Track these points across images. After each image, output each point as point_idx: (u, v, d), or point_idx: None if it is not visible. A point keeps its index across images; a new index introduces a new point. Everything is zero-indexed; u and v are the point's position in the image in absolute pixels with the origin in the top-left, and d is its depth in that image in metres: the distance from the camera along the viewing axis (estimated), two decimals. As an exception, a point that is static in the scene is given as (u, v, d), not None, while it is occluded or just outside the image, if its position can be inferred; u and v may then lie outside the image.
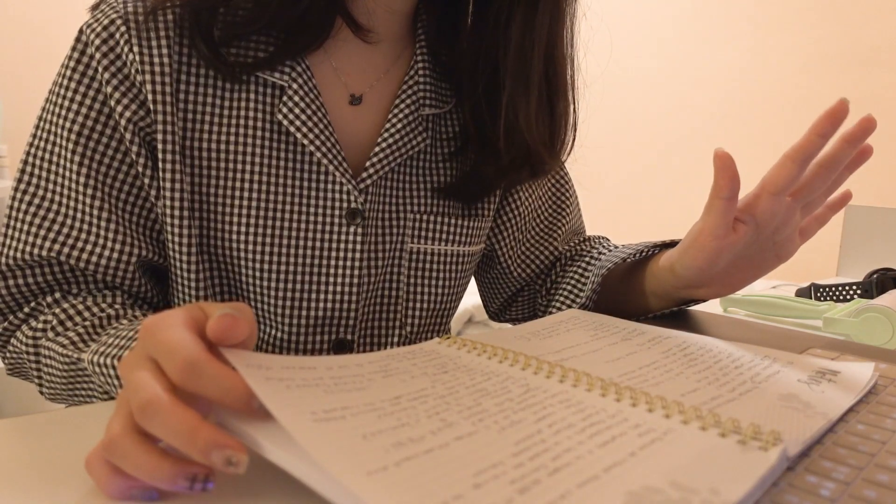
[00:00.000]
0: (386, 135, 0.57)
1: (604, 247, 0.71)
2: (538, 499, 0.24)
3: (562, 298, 0.67)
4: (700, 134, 2.24)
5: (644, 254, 0.60)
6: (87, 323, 0.49)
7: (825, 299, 1.04)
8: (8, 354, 0.53)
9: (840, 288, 1.04)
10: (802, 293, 1.07)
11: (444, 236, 0.61)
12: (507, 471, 0.25)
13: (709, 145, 2.26)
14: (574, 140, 0.63)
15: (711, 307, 1.02)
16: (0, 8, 2.16)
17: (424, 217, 0.60)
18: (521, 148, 0.59)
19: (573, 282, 0.67)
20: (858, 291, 1.02)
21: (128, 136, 0.51)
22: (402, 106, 0.58)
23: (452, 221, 0.62)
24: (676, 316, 0.63)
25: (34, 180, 0.52)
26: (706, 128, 2.23)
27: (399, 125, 0.57)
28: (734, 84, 2.18)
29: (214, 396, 0.28)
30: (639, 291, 0.62)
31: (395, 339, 0.61)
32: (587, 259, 0.69)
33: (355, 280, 0.56)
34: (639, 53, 2.44)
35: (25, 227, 0.51)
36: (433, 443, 0.27)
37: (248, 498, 0.28)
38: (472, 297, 1.55)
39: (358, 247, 0.56)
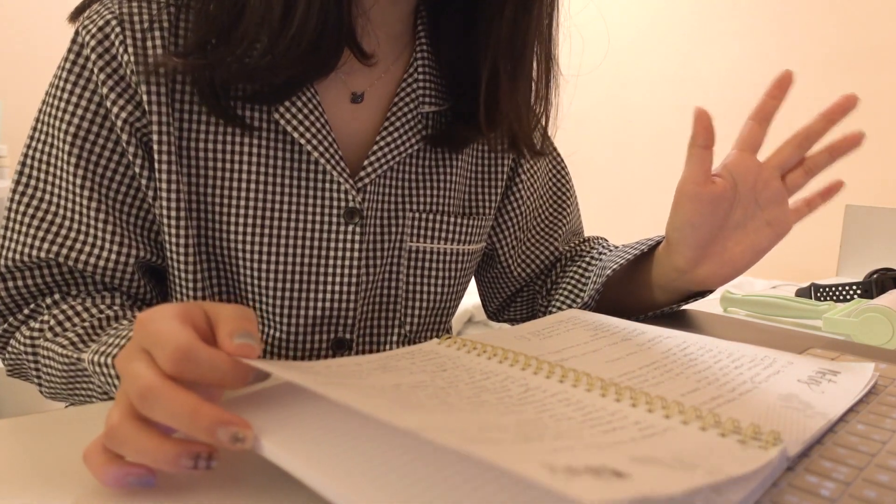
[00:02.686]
0: (384, 133, 0.57)
1: (603, 247, 0.71)
2: (543, 444, 0.25)
3: (562, 298, 0.67)
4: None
5: (647, 248, 0.60)
6: (87, 324, 0.49)
7: (825, 299, 1.04)
8: (7, 356, 0.54)
9: (840, 288, 1.03)
10: (802, 293, 1.07)
11: (443, 235, 0.61)
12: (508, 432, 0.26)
13: (709, 145, 2.26)
14: (548, 118, 0.62)
15: (711, 307, 1.01)
16: (0, 8, 2.16)
17: (424, 216, 0.60)
18: (509, 132, 0.59)
19: (573, 282, 0.67)
20: (858, 291, 1.02)
21: (124, 137, 0.51)
22: (402, 104, 0.58)
23: (452, 220, 0.61)
24: (676, 316, 0.63)
25: (32, 182, 0.52)
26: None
27: (398, 123, 0.57)
28: (735, 84, 2.17)
29: (210, 378, 0.28)
30: (644, 283, 0.62)
31: (395, 339, 0.61)
32: (587, 259, 0.69)
33: (354, 279, 0.56)
34: (639, 53, 2.44)
35: (24, 229, 0.51)
36: None
37: (247, 497, 0.28)
38: (472, 297, 1.55)
39: (356, 246, 0.56)
